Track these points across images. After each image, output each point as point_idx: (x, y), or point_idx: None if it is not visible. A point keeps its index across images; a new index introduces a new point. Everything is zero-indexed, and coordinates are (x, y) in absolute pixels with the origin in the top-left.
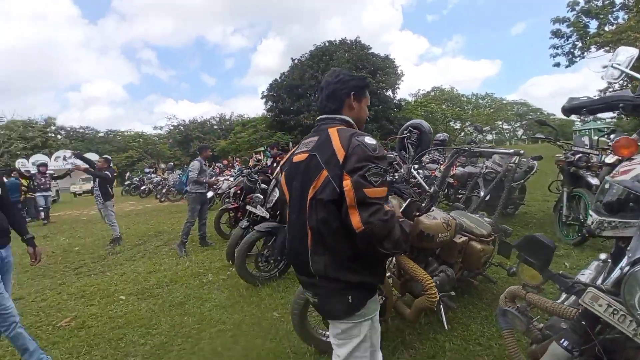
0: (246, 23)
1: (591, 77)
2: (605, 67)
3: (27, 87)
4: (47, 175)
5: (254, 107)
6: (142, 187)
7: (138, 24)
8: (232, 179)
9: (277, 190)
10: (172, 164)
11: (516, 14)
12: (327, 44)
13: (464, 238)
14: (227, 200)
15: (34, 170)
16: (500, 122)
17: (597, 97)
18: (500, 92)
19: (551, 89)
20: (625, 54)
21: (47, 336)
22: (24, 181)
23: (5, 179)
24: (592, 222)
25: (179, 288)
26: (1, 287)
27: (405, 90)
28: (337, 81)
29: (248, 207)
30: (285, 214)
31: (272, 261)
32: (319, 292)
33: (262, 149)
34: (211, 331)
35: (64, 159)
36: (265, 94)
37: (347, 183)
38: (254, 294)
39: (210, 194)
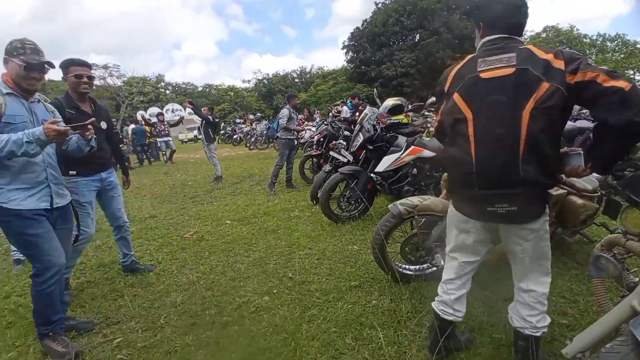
0: None
1: None
2: None
3: (141, 46)
4: (165, 122)
5: (333, 58)
6: (234, 136)
7: None
8: (313, 129)
9: (361, 135)
10: (259, 115)
11: None
12: None
13: (560, 191)
14: (309, 148)
15: (153, 119)
16: (632, 72)
17: None
18: (634, 34)
19: None
20: None
21: (177, 243)
22: (147, 128)
23: (133, 125)
24: None
25: (271, 219)
26: (88, 207)
27: None
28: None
29: (331, 153)
30: (457, 134)
31: (352, 202)
32: (519, 200)
33: (340, 101)
34: (300, 253)
35: (172, 111)
36: (345, 44)
37: (584, 74)
38: (335, 229)
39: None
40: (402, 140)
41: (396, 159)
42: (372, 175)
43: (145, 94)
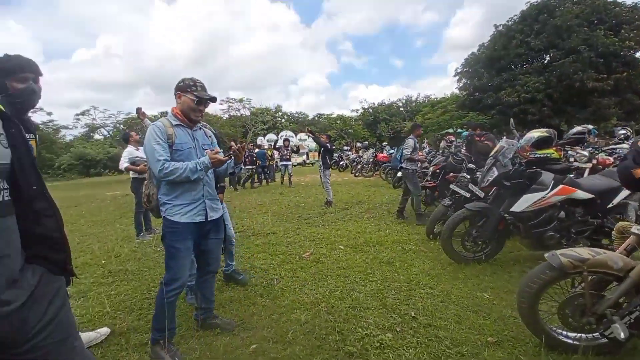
0: None
1: None
2: None
3: (266, 82)
4: (289, 148)
5: (441, 87)
6: (341, 162)
7: (340, 18)
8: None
9: (495, 169)
10: (366, 143)
11: None
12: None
13: None
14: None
15: (266, 145)
16: None
17: None
18: None
19: None
20: None
21: (296, 261)
22: (268, 151)
23: (257, 149)
24: None
25: (384, 250)
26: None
27: None
28: None
29: (452, 187)
30: None
31: (480, 242)
32: None
33: (451, 130)
34: (420, 292)
35: (286, 138)
36: (459, 70)
37: None
38: (458, 270)
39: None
40: (547, 177)
41: (540, 199)
42: (504, 214)
43: (265, 122)
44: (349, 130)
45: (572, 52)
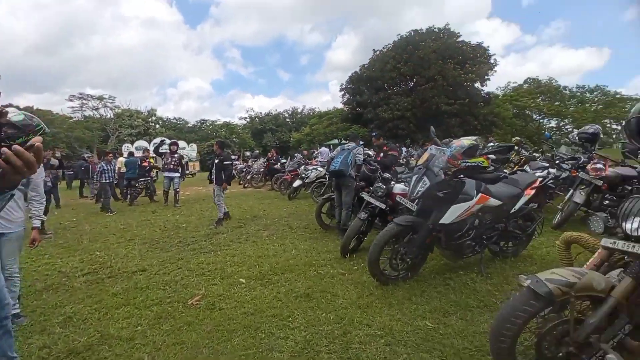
0: (324, 19)
1: None
2: None
3: (139, 82)
4: (176, 155)
5: (323, 102)
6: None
7: (229, 26)
8: (320, 168)
9: (426, 179)
10: (257, 152)
11: None
12: (412, 34)
13: None
14: (316, 189)
15: (138, 153)
16: (608, 121)
17: None
18: (612, 86)
19: None
20: None
21: (179, 314)
22: (151, 160)
23: (122, 158)
24: None
25: (297, 278)
26: None
27: (492, 84)
28: None
29: (366, 197)
30: None
31: (408, 259)
32: None
33: (335, 141)
34: (358, 334)
35: (160, 145)
36: (343, 86)
37: None
38: (387, 294)
39: (297, 183)
40: (470, 186)
41: (466, 209)
42: (432, 227)
43: (134, 127)
44: (234, 139)
45: (431, 80)
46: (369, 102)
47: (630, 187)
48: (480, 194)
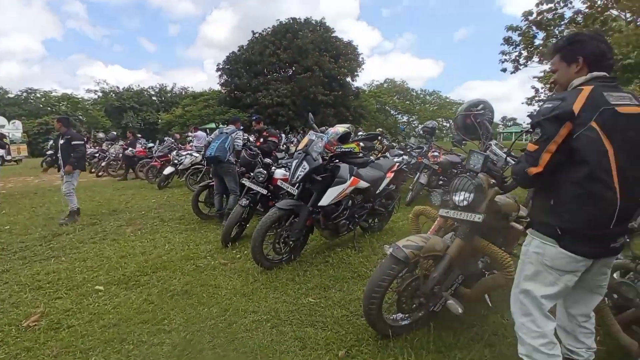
0: None
1: (515, 87)
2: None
3: None
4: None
5: (198, 81)
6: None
7: None
8: (195, 153)
9: (306, 163)
10: (115, 133)
11: (460, 20)
12: (290, 21)
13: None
14: (192, 177)
15: None
16: (440, 119)
17: None
18: (445, 92)
19: (483, 93)
20: None
21: (13, 340)
22: None
23: None
24: None
25: (172, 274)
26: None
27: (360, 80)
28: None
29: (246, 183)
30: (595, 168)
31: (291, 242)
32: (628, 232)
33: (213, 125)
34: (244, 322)
35: None
36: (220, 66)
37: None
38: (272, 279)
39: (169, 170)
40: (344, 170)
41: (342, 191)
42: (312, 209)
43: None
44: (80, 117)
45: (309, 70)
46: (248, 85)
47: (456, 170)
48: (353, 177)
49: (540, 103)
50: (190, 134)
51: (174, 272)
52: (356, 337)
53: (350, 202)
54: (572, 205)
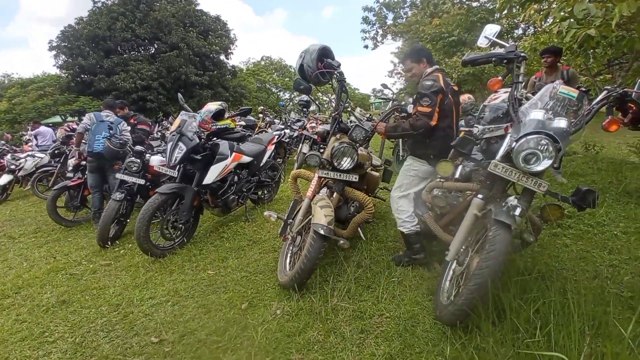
0: None
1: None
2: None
3: None
4: None
5: (25, 63)
6: None
7: None
8: (40, 154)
9: (182, 144)
10: None
11: None
12: None
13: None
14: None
15: None
16: (320, 93)
17: (483, 54)
18: None
19: (356, 68)
20: (491, 28)
21: None
22: None
23: None
24: (478, 131)
25: (41, 290)
26: None
27: (236, 59)
28: None
29: (119, 176)
30: (450, 121)
31: (181, 226)
32: None
33: (58, 118)
34: (142, 309)
35: None
36: (54, 44)
37: None
38: (167, 265)
39: (5, 179)
40: (224, 146)
41: (224, 168)
42: (197, 189)
43: None
44: None
45: (175, 48)
46: (99, 67)
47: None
48: (234, 153)
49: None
50: (27, 132)
51: (42, 287)
52: (256, 290)
53: (235, 177)
54: (439, 142)
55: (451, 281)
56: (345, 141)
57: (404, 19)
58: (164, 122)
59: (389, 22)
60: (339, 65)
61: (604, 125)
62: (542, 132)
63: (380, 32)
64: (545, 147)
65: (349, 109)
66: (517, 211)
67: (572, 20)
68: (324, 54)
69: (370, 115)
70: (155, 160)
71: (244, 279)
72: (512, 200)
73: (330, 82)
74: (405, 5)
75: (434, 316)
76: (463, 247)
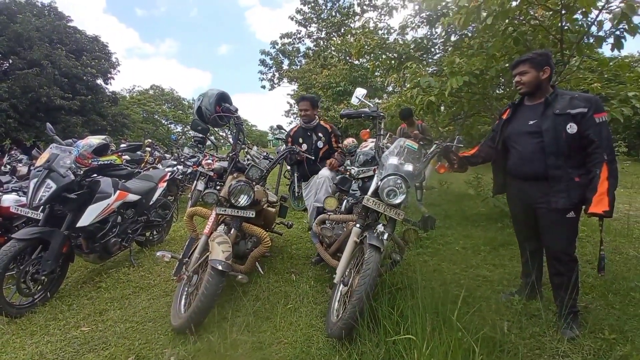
0: None
1: (282, 100)
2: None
3: None
4: None
5: None
6: None
7: None
8: None
9: (51, 182)
10: None
11: (220, 36)
12: (7, 0)
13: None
14: None
15: None
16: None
17: (354, 111)
18: None
19: (255, 105)
20: (360, 91)
21: None
22: None
23: None
24: (355, 172)
25: None
26: None
27: (117, 85)
28: None
29: None
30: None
31: (43, 278)
32: None
33: None
34: None
35: None
36: None
37: None
38: (26, 325)
39: None
40: (106, 184)
41: (105, 207)
42: (68, 233)
43: None
44: None
45: (36, 65)
46: None
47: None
48: (118, 191)
49: (294, 115)
50: None
51: None
52: (145, 340)
53: (119, 217)
54: None
55: (339, 301)
56: (242, 179)
57: (299, 66)
58: (13, 152)
59: (285, 67)
60: (237, 110)
61: (435, 168)
62: (397, 173)
63: (277, 75)
64: (400, 185)
65: (245, 150)
66: (385, 236)
67: (419, 88)
68: (222, 98)
69: (267, 153)
70: (9, 200)
71: (129, 330)
72: (380, 227)
73: (228, 125)
74: (299, 55)
75: (327, 334)
76: (347, 270)
